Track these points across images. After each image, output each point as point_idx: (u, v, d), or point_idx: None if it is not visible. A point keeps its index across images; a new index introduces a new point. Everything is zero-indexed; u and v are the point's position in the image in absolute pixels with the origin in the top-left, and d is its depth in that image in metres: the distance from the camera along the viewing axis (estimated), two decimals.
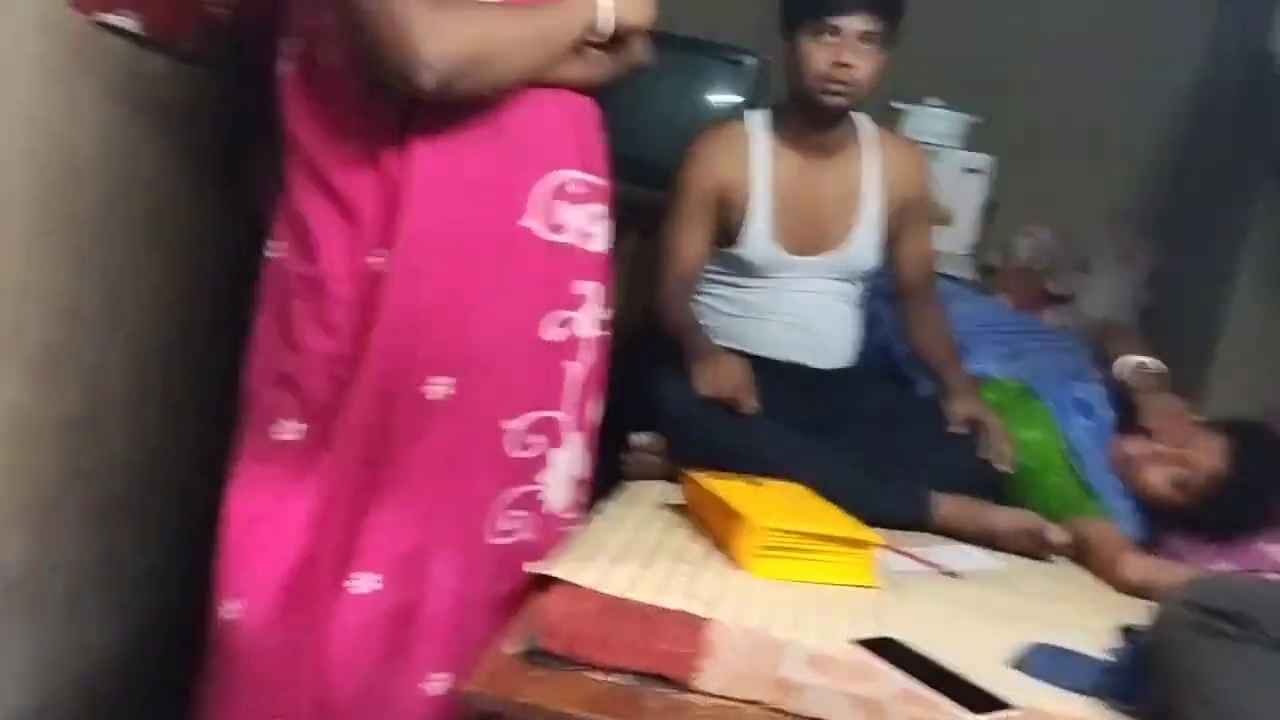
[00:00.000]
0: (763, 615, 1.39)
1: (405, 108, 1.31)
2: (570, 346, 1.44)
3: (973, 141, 3.17)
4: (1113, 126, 3.49)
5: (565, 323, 1.42)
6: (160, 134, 1.74)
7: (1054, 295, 3.64)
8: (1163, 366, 2.15)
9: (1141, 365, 2.13)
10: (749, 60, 3.27)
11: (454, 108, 1.30)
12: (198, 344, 1.93)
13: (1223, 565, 1.85)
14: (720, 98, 3.18)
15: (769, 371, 2.04)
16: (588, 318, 1.45)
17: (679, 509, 1.80)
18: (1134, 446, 1.99)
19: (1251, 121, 2.87)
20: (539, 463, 1.43)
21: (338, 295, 1.35)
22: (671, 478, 1.96)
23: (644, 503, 1.83)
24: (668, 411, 1.92)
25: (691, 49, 2.94)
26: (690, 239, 2.14)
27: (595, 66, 1.41)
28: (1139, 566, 1.78)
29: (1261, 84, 2.76)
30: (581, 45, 1.38)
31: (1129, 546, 1.86)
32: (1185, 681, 1.15)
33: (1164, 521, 1.97)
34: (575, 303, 1.43)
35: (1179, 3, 3.47)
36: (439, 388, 1.35)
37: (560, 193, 1.38)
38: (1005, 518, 1.89)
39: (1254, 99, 2.84)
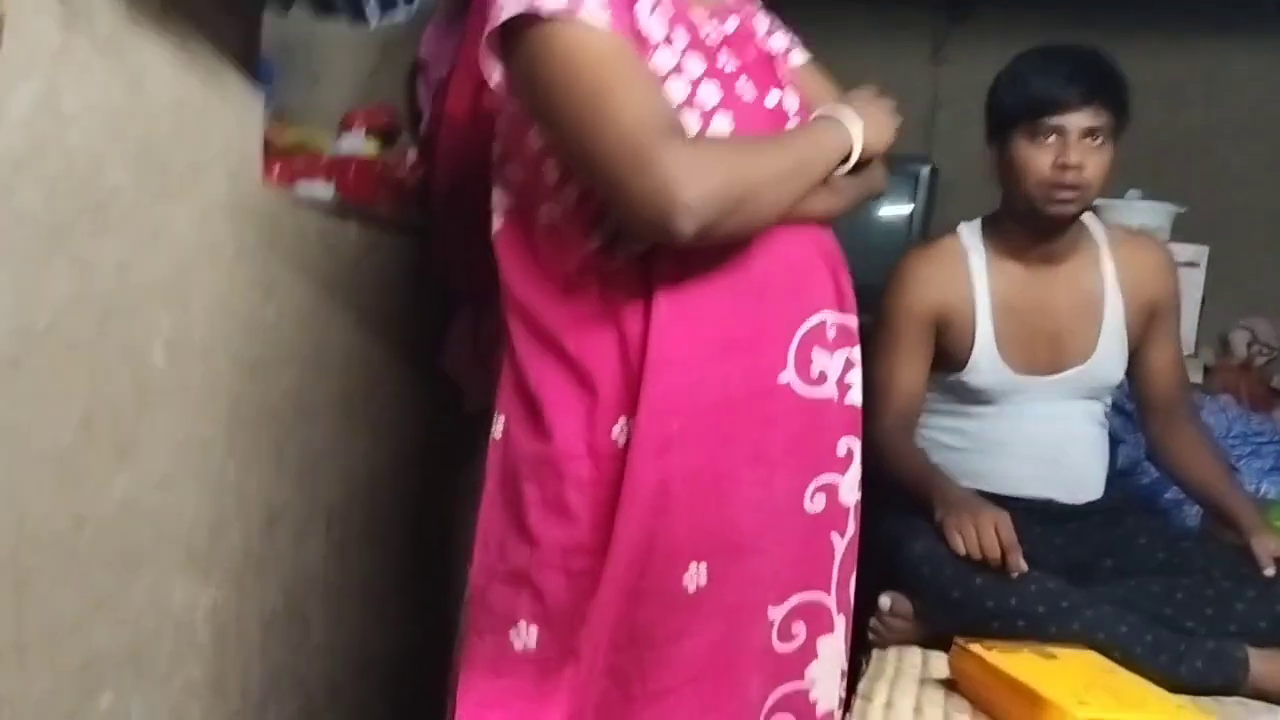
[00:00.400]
0: None
1: (643, 257, 1.16)
2: (836, 516, 1.23)
3: (1179, 233, 2.91)
4: None
5: (829, 489, 1.22)
6: (354, 306, 1.64)
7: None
8: None
9: None
10: (921, 168, 3.13)
11: (698, 253, 1.14)
12: (395, 524, 1.79)
13: None
14: (892, 209, 3.03)
15: (1015, 511, 1.79)
16: (850, 481, 1.25)
17: (948, 685, 1.55)
18: None
19: None
20: (807, 654, 1.22)
21: (576, 475, 1.17)
22: (923, 643, 1.72)
23: (906, 678, 1.59)
24: (920, 572, 1.68)
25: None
26: (908, 371, 1.92)
27: (841, 196, 1.24)
28: None
29: None
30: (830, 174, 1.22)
31: None
32: None
33: None
34: (840, 465, 1.23)
35: None
36: (697, 576, 1.16)
37: (819, 338, 1.20)
38: None
39: None
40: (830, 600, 1.22)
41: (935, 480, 1.79)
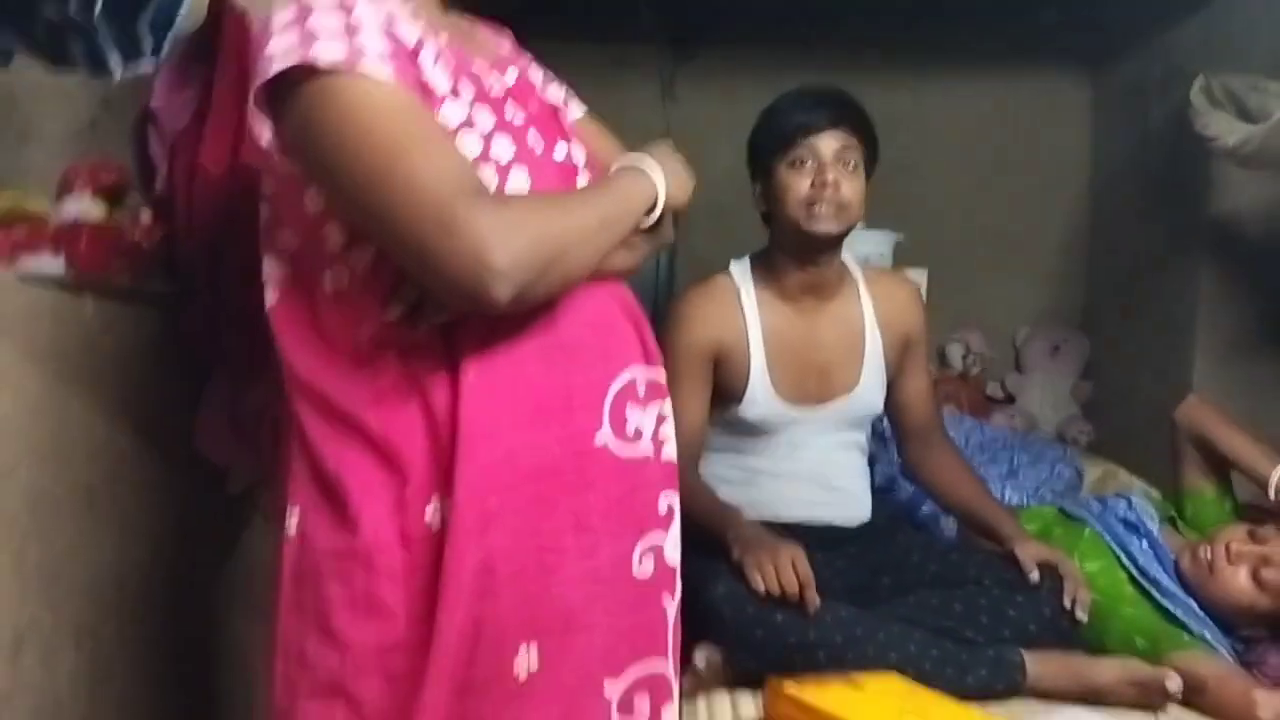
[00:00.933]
0: None
1: (444, 324, 1.08)
2: (664, 578, 1.20)
3: (902, 258, 3.13)
4: (1031, 230, 3.55)
5: (655, 550, 1.19)
6: (95, 390, 1.45)
7: (994, 399, 3.60)
8: None
9: None
10: None
11: (504, 316, 1.08)
12: (154, 632, 1.60)
13: None
14: None
15: (796, 538, 1.84)
16: (674, 539, 1.22)
17: None
18: (1205, 550, 1.87)
19: (1186, 203, 2.90)
20: None
21: (388, 567, 1.08)
22: (729, 684, 1.72)
23: None
24: (722, 613, 1.68)
25: None
26: (691, 407, 1.94)
27: (639, 251, 1.22)
28: (1273, 705, 1.62)
29: (1190, 165, 2.79)
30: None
31: (1252, 682, 1.70)
32: None
33: (1251, 633, 1.84)
34: (663, 524, 1.20)
35: (1059, 98, 3.60)
36: (528, 660, 1.09)
37: (631, 395, 1.16)
38: (1109, 670, 1.71)
39: (1186, 181, 2.87)
40: (669, 667, 1.19)
41: (728, 517, 1.81)
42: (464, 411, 1.07)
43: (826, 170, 1.87)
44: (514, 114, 1.15)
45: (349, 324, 1.10)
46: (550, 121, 1.21)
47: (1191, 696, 1.71)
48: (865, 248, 3.10)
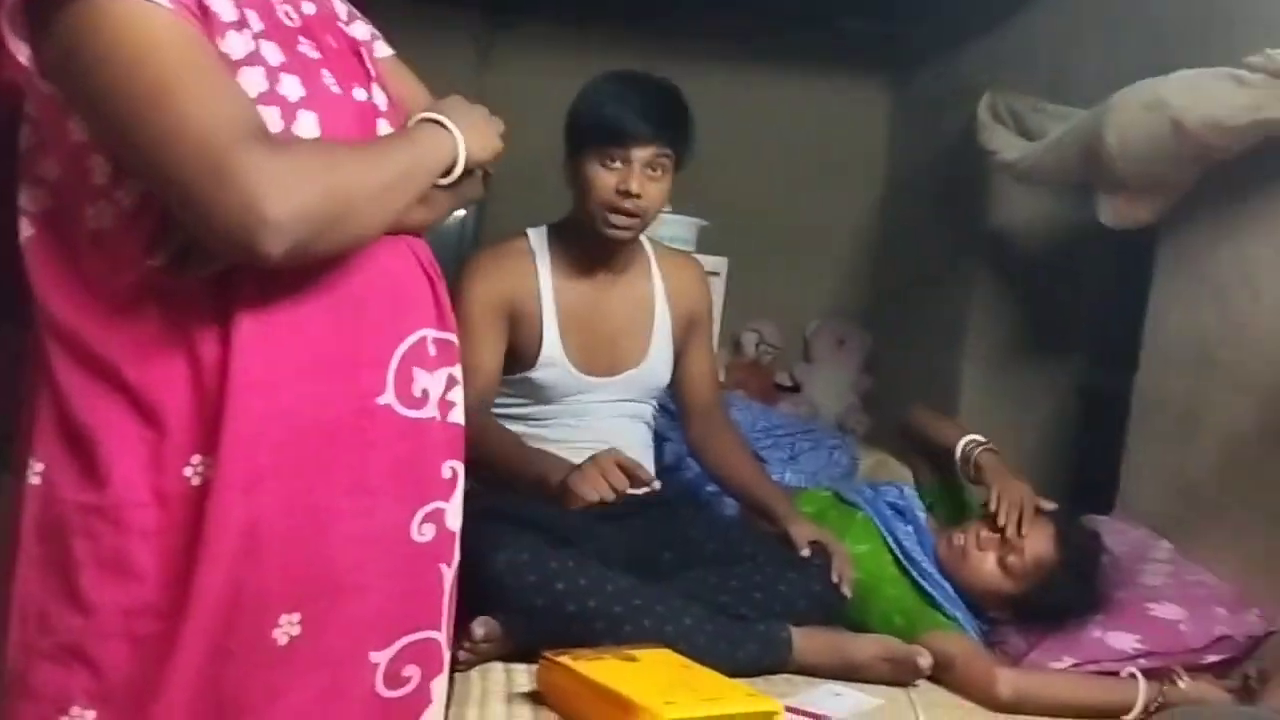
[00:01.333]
0: None
1: (220, 272, 1.02)
2: (443, 545, 1.17)
3: (705, 245, 3.18)
4: (827, 228, 3.69)
5: (436, 516, 1.15)
6: None
7: (782, 386, 3.73)
8: (990, 443, 2.13)
9: (979, 442, 2.11)
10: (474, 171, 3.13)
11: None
12: None
13: (1067, 660, 1.85)
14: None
15: (580, 510, 1.85)
16: (455, 507, 1.19)
17: (534, 698, 1.56)
18: (960, 537, 1.99)
19: (968, 214, 3.07)
20: (421, 699, 1.15)
21: (140, 526, 1.01)
22: (505, 657, 1.71)
23: (493, 697, 1.57)
24: (503, 583, 1.67)
25: None
26: (484, 354, 1.94)
27: (438, 206, 1.18)
28: (1011, 683, 1.74)
29: (975, 178, 2.96)
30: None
31: (995, 660, 1.82)
32: None
33: (997, 614, 1.97)
34: (445, 490, 1.16)
35: (860, 102, 3.76)
36: (290, 626, 1.04)
37: (420, 356, 1.12)
38: (866, 647, 1.80)
39: (969, 193, 3.04)
40: (441, 637, 1.16)
41: (530, 452, 1.86)
42: (235, 365, 1.01)
43: (632, 180, 1.88)
44: (308, 49, 1.08)
45: (110, 267, 1.01)
46: (350, 60, 1.14)
47: (941, 673, 1.82)
48: (670, 231, 3.13)
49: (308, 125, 1.02)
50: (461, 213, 3.07)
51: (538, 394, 2.00)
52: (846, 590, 1.88)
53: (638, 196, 1.89)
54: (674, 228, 3.14)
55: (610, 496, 1.72)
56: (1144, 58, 2.27)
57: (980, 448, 2.10)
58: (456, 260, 3.05)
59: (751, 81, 3.66)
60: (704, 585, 1.82)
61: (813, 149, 3.67)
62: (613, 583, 1.72)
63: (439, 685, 1.16)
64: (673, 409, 2.38)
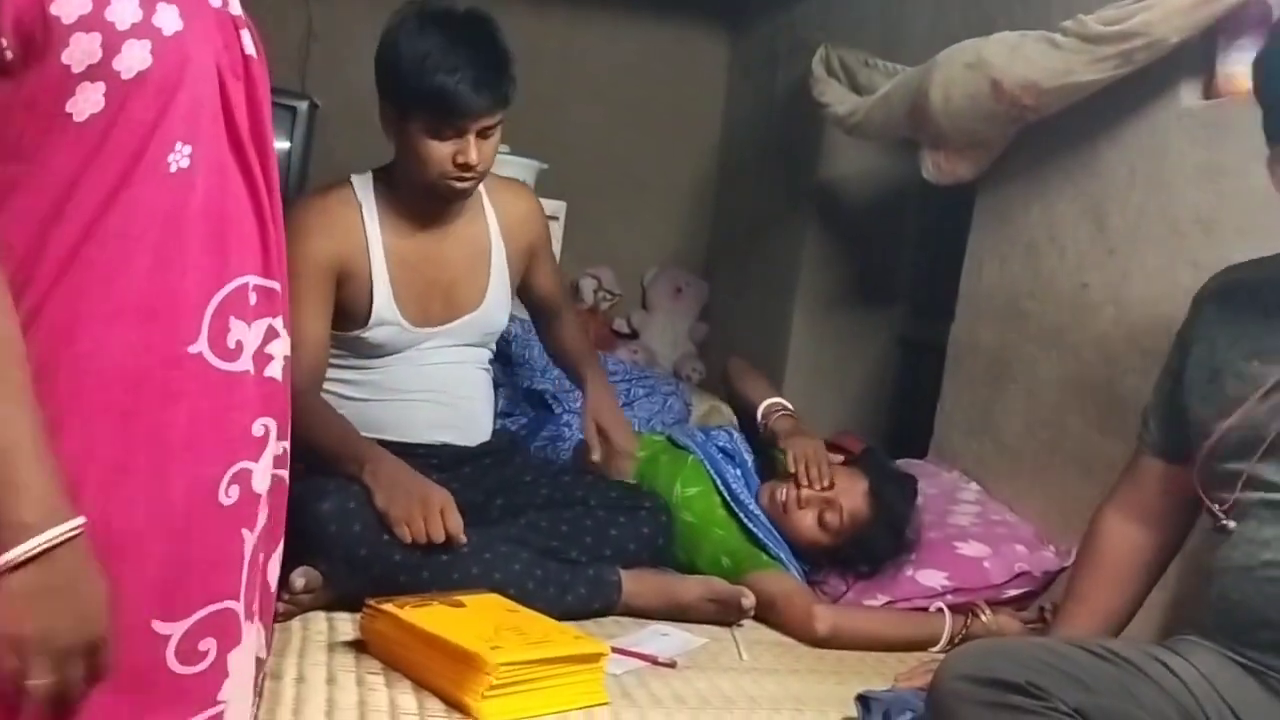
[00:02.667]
0: None
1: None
2: (247, 509, 1.10)
3: (541, 188, 3.14)
4: (664, 175, 3.70)
5: (242, 477, 1.08)
6: None
7: (620, 333, 3.75)
8: (789, 406, 2.22)
9: (778, 407, 2.19)
10: (299, 104, 3.01)
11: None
12: None
13: (882, 598, 1.94)
14: (275, 143, 2.88)
15: (416, 458, 1.82)
16: (264, 467, 1.12)
17: (358, 646, 1.53)
18: (781, 492, 2.04)
19: (801, 166, 3.13)
20: (218, 674, 1.09)
21: None
22: (328, 606, 1.67)
23: (314, 646, 1.54)
24: (326, 531, 1.62)
25: None
26: (314, 324, 1.82)
27: None
28: (828, 619, 1.81)
29: (808, 131, 3.01)
30: None
31: (814, 598, 1.89)
32: None
33: (817, 561, 2.04)
34: (255, 449, 1.09)
35: (699, 52, 3.77)
36: None
37: (238, 305, 1.06)
38: (693, 588, 1.84)
39: (803, 146, 3.09)
40: (239, 607, 1.10)
41: (361, 448, 1.76)
42: (44, 309, 0.94)
43: (470, 150, 1.79)
44: None
45: None
46: None
47: (764, 612, 1.88)
48: (509, 172, 3.06)
49: (167, 18, 0.92)
50: (286, 145, 2.94)
51: (371, 351, 1.92)
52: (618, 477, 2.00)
53: (475, 164, 1.81)
54: (513, 169, 3.09)
55: (422, 540, 1.66)
56: (969, 18, 2.35)
57: (778, 413, 2.18)
58: (284, 196, 2.96)
59: (593, 23, 3.62)
60: (535, 530, 1.82)
61: (652, 96, 3.66)
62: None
63: (237, 658, 1.10)
64: (510, 354, 2.37)
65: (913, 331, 3.01)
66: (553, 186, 3.15)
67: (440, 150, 1.79)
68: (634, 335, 3.73)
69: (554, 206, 3.07)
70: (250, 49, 1.02)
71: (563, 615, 1.66)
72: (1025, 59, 1.98)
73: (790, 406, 2.21)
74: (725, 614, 1.84)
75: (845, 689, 1.57)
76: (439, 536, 1.66)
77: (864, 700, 1.49)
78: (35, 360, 0.92)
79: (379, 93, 1.85)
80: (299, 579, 1.60)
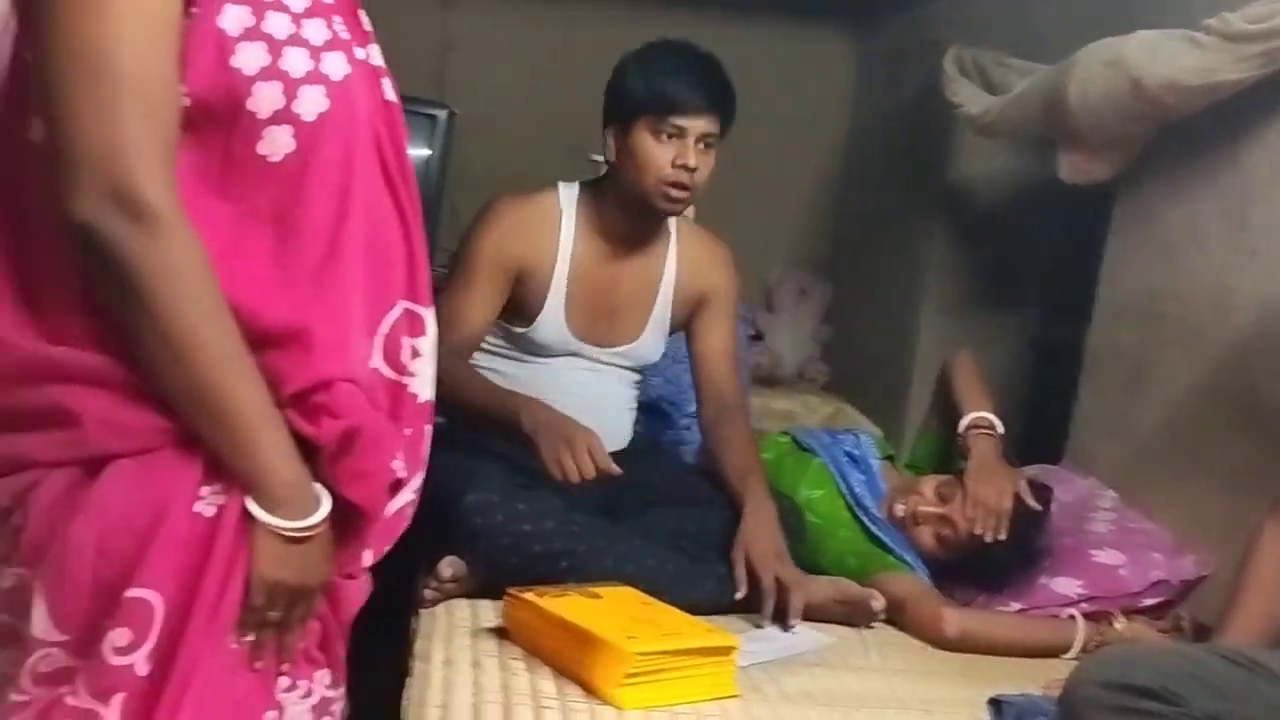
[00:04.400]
0: None
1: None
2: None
3: None
4: (788, 176, 3.70)
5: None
6: None
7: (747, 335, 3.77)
8: (1000, 426, 2.07)
9: (984, 423, 2.06)
10: (439, 112, 3.12)
11: None
12: None
13: (1014, 605, 1.93)
14: (414, 151, 2.99)
15: None
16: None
17: (499, 633, 1.60)
18: (899, 508, 2.04)
19: (929, 167, 3.11)
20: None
21: None
22: (469, 594, 1.75)
23: (459, 632, 1.62)
24: (472, 523, 1.70)
25: None
26: (477, 309, 1.93)
27: None
28: (958, 622, 1.81)
29: (937, 131, 2.99)
30: None
31: (944, 601, 1.89)
32: None
33: (943, 570, 2.03)
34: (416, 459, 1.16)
35: (825, 53, 3.77)
36: None
37: (399, 325, 1.08)
38: (823, 589, 1.85)
39: (931, 146, 3.07)
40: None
41: (513, 397, 1.85)
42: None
43: (690, 154, 1.86)
44: None
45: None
46: (352, 16, 1.12)
47: (892, 614, 1.89)
48: None
49: (335, 64, 1.00)
50: (426, 152, 3.06)
51: (528, 347, 2.01)
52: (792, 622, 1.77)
53: (694, 170, 1.87)
54: None
55: (574, 479, 1.73)
56: (1106, 16, 2.30)
57: (983, 431, 2.05)
58: (423, 203, 3.07)
59: (716, 28, 3.64)
60: (663, 527, 1.87)
61: (775, 97, 3.65)
62: (578, 523, 1.76)
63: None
64: None
65: (1045, 334, 2.96)
66: None
67: (661, 153, 1.86)
68: (758, 337, 3.75)
69: None
70: (391, 96, 1.11)
71: (691, 610, 1.70)
72: (1166, 58, 1.94)
73: (999, 426, 2.07)
74: (853, 616, 1.85)
75: (975, 692, 1.58)
76: (589, 472, 1.73)
77: (996, 704, 1.50)
78: None
79: (605, 119, 1.94)
80: (446, 568, 1.69)
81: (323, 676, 1.06)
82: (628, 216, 1.97)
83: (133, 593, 0.94)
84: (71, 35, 0.90)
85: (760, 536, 1.83)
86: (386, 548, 1.10)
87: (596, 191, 2.01)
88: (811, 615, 1.84)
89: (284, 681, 1.02)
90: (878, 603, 1.83)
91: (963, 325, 3.05)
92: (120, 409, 0.95)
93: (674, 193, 1.89)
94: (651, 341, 2.07)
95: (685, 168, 1.87)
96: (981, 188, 3.03)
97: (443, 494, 1.74)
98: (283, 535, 0.96)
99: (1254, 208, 1.96)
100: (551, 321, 1.98)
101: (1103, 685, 1.20)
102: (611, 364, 2.06)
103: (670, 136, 1.87)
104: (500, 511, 1.71)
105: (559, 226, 1.98)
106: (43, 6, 0.92)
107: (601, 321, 2.01)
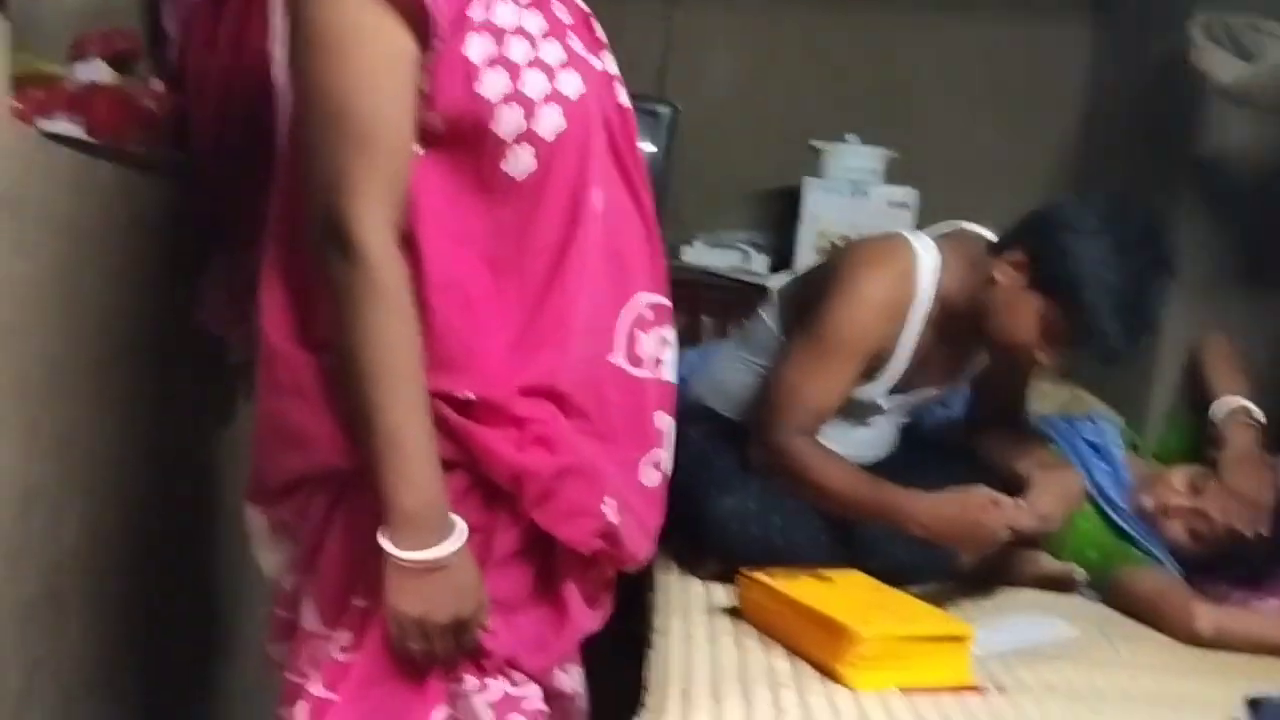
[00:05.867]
0: None
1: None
2: (661, 490, 1.24)
3: (893, 176, 3.15)
4: (1020, 153, 3.56)
5: (655, 462, 1.21)
6: (109, 257, 1.48)
7: None
8: (1260, 415, 1.99)
9: (1242, 413, 1.99)
10: (662, 109, 3.19)
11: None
12: (155, 496, 1.65)
13: (1274, 602, 1.82)
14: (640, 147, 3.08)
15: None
16: (669, 454, 1.25)
17: (733, 613, 1.65)
18: (1148, 500, 1.95)
19: (1174, 142, 2.94)
20: None
21: None
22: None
23: (695, 609, 1.67)
24: (728, 530, 1.74)
25: None
26: (836, 395, 1.77)
27: None
28: (1211, 618, 1.73)
29: (1182, 104, 2.82)
30: None
31: (1194, 596, 1.80)
32: None
33: (1195, 567, 1.93)
34: (663, 440, 1.21)
35: (1061, 28, 3.61)
36: None
37: (640, 320, 1.17)
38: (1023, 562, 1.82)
39: (1177, 120, 2.90)
40: None
41: (887, 499, 1.70)
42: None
43: (1059, 357, 1.75)
44: (561, 14, 1.12)
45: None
46: (586, 28, 1.18)
47: (1139, 609, 1.81)
48: (859, 161, 3.14)
49: (571, 84, 1.07)
50: (652, 149, 3.13)
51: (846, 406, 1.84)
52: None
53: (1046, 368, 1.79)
54: (862, 159, 3.13)
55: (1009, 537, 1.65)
56: None
57: (1241, 421, 1.96)
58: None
59: (945, 6, 3.56)
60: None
61: (1008, 77, 3.53)
62: (826, 533, 1.77)
63: None
64: None
65: None
66: (904, 175, 3.15)
67: (1034, 338, 1.69)
68: None
69: (904, 194, 3.08)
70: (624, 101, 1.17)
71: (901, 569, 1.71)
72: None
73: (1258, 414, 1.98)
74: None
75: (1230, 690, 1.50)
76: (1006, 535, 1.64)
77: (1255, 704, 1.42)
78: None
79: (1033, 250, 1.72)
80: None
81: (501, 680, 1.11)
82: (971, 327, 1.77)
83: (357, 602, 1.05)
84: (315, 83, 1.01)
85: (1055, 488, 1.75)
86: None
87: (956, 293, 1.78)
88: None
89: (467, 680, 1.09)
90: (1079, 573, 1.75)
91: (1216, 308, 2.85)
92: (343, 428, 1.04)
93: (1022, 360, 1.78)
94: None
95: (1039, 363, 1.75)
96: (1234, 161, 2.83)
97: (692, 497, 1.75)
98: (401, 564, 1.00)
99: None
100: (873, 391, 1.84)
101: None
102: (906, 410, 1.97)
103: (1064, 347, 1.70)
104: (754, 523, 1.74)
105: (910, 316, 1.78)
106: (296, 53, 1.03)
107: (917, 379, 1.87)
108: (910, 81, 3.42)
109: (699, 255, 3.18)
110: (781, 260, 3.13)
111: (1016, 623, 1.71)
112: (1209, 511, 1.88)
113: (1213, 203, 2.86)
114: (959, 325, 1.78)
